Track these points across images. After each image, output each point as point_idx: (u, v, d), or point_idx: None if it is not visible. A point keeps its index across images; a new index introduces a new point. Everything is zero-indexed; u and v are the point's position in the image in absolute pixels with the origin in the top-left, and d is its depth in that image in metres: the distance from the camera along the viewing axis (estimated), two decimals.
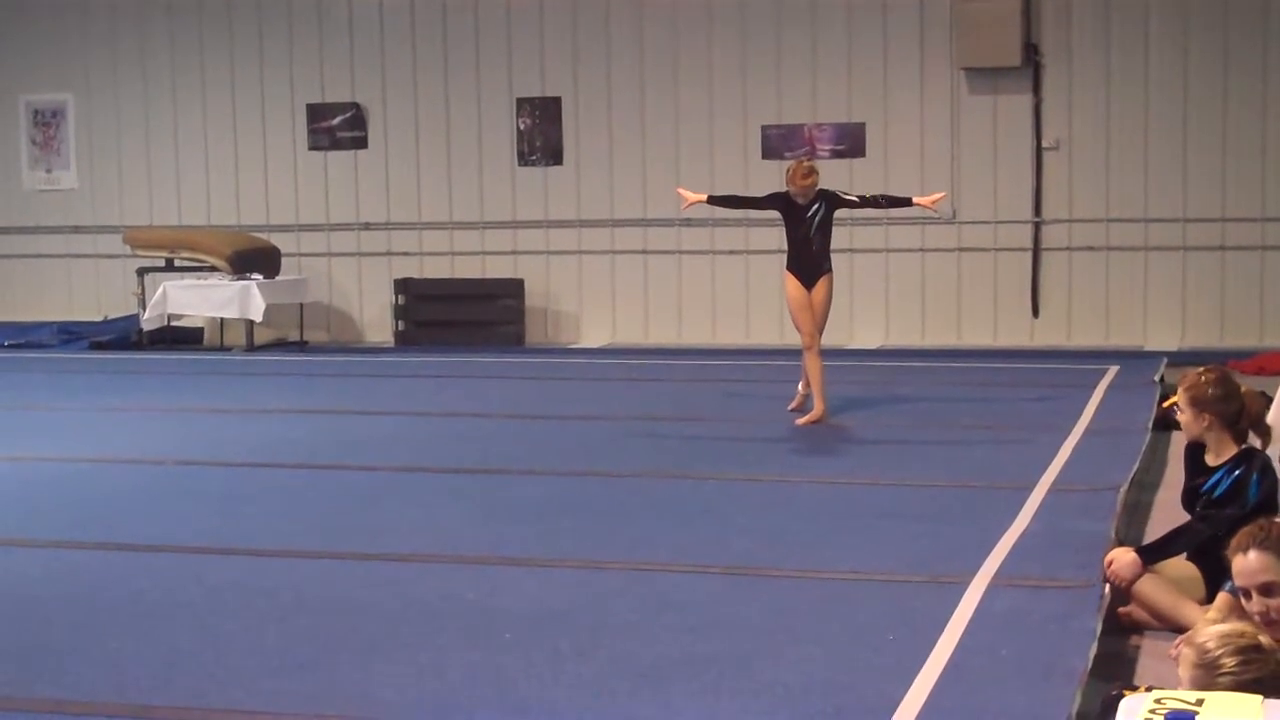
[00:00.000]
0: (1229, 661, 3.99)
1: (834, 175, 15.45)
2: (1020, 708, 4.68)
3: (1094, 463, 8.80)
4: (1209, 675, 3.98)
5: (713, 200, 10.92)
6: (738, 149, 16.17)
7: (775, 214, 10.76)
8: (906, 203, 10.89)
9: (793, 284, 10.58)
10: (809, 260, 10.56)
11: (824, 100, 15.97)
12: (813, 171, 10.46)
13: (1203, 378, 6.13)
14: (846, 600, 6.02)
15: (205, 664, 5.26)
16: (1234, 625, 4.11)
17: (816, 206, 10.46)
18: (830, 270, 10.65)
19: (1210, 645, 4.04)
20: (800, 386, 10.96)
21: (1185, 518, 6.20)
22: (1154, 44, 15.18)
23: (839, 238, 14.60)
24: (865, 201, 10.69)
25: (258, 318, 15.93)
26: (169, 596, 6.18)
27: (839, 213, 10.70)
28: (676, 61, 16.31)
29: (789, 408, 10.92)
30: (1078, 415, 10.62)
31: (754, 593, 6.18)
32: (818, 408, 10.49)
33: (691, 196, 10.85)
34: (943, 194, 11.89)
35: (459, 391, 13.07)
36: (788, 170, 10.55)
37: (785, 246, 10.75)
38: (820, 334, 10.60)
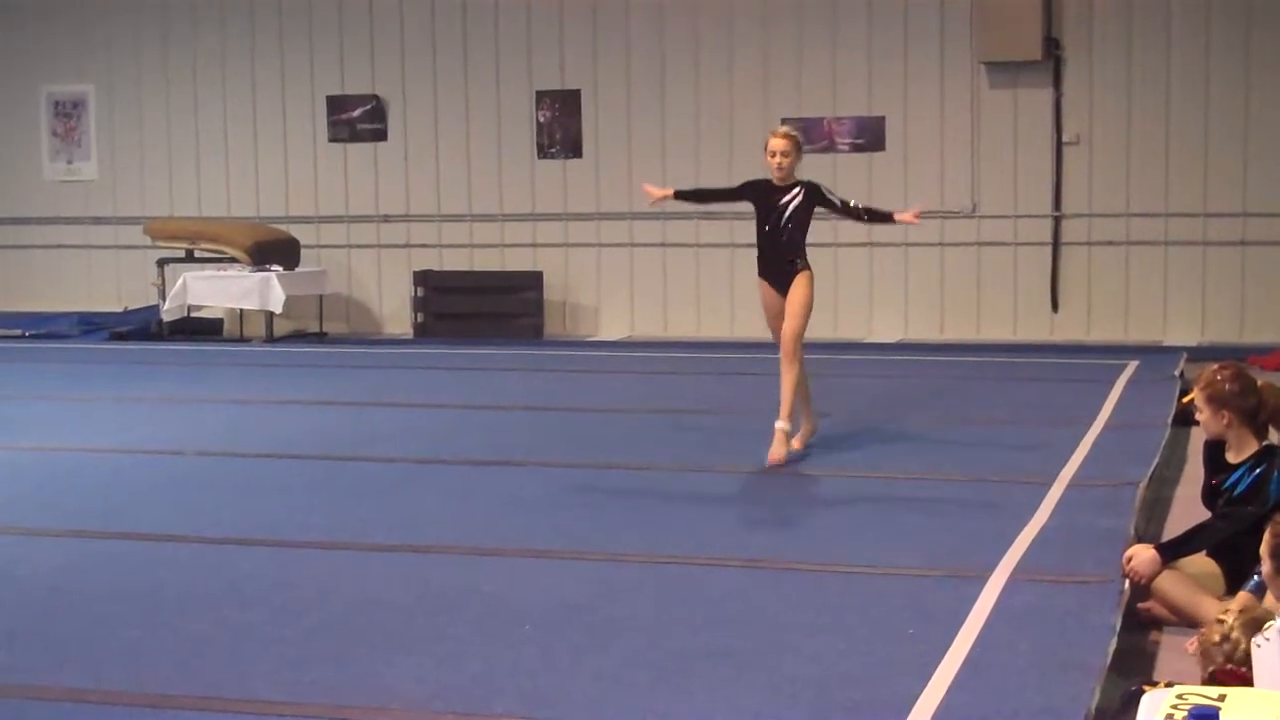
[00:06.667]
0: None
1: (853, 169, 15.53)
2: (1039, 703, 4.67)
3: (1113, 458, 8.78)
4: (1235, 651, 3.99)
5: (679, 195, 9.53)
6: (757, 142, 16.02)
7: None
8: (888, 219, 9.34)
9: (765, 292, 9.31)
10: (777, 256, 9.17)
11: (844, 93, 15.93)
12: (789, 138, 9.11)
13: (1219, 375, 6.11)
14: (865, 594, 6.02)
15: (224, 654, 5.28)
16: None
17: (795, 194, 9.10)
18: (806, 269, 9.16)
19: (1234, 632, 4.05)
20: (803, 421, 9.36)
21: (1205, 513, 6.19)
22: (1175, 37, 15.11)
23: (857, 231, 14.71)
24: (847, 210, 9.14)
25: (277, 309, 15.97)
26: (188, 587, 6.20)
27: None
28: (696, 54, 16.29)
29: (795, 446, 9.17)
30: (1097, 410, 10.59)
31: (772, 586, 6.18)
32: (805, 427, 9.32)
33: (657, 192, 9.46)
34: (920, 208, 9.98)
35: (477, 384, 13.08)
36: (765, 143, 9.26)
37: (758, 243, 9.38)
38: (800, 337, 9.09)
